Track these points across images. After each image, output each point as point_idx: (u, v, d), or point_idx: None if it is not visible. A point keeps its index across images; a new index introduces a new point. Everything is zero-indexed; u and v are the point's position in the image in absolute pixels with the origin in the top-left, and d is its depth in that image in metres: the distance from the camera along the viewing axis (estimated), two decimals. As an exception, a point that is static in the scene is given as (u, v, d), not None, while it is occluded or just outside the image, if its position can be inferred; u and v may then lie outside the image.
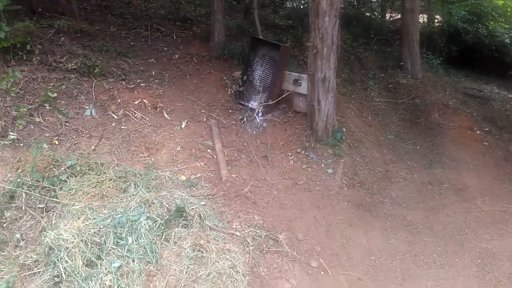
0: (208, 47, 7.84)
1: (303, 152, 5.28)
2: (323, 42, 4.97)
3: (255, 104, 5.96)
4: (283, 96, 5.76)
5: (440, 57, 9.46)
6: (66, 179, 3.65)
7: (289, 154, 5.23)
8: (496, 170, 5.65)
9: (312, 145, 5.41)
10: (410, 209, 4.70)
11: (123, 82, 5.83)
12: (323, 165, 5.13)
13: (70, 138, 4.50)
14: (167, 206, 3.28)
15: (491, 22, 9.36)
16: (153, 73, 6.51)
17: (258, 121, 5.75)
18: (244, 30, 9.27)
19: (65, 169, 3.78)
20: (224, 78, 6.77)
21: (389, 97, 7.55)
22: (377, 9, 11.53)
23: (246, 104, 6.02)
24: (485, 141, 6.26)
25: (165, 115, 5.42)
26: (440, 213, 4.68)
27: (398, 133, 6.46)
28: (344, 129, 5.74)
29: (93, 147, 4.45)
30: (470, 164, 5.72)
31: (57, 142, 4.38)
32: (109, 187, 3.48)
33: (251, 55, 6.18)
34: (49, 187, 3.48)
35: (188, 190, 3.92)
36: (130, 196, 3.37)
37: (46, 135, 4.41)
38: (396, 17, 12.32)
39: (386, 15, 12.41)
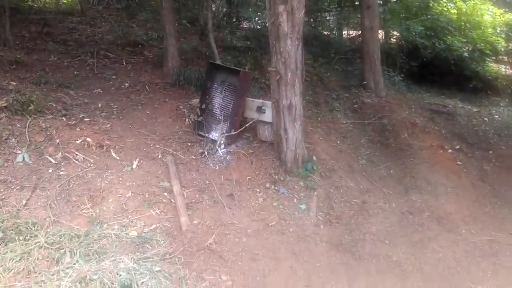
0: (161, 74, 7.26)
1: (273, 186, 4.77)
2: (286, 67, 4.54)
3: (216, 135, 5.42)
4: (247, 125, 5.26)
5: (401, 73, 9.40)
6: (-15, 251, 2.90)
7: (258, 190, 4.70)
8: (474, 192, 5.41)
9: (282, 178, 4.92)
10: (394, 246, 4.28)
11: (64, 119, 5.11)
12: (295, 200, 4.64)
13: (-5, 192, 3.73)
14: (109, 283, 2.62)
15: (448, 37, 9.45)
16: (99, 105, 5.82)
17: (221, 154, 5.20)
18: (201, 53, 8.76)
19: (-17, 237, 3.03)
20: (181, 106, 6.20)
21: (355, 117, 7.26)
22: (334, 28, 11.44)
23: (207, 135, 5.46)
24: (458, 160, 6.05)
25: (113, 154, 4.75)
26: (427, 249, 4.31)
27: (369, 156, 6.12)
28: (314, 158, 5.31)
29: (24, 202, 3.70)
30: (447, 186, 5.44)
31: (-22, 199, 3.60)
32: (38, 258, 2.78)
33: (209, 81, 5.66)
34: (-42, 266, 2.73)
35: (140, 251, 3.27)
36: (63, 271, 2.68)
37: (-35, 191, 3.62)
38: (354, 35, 12.34)
39: (343, 33, 12.39)
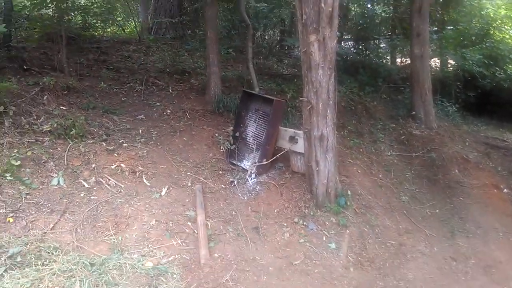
0: (203, 101, 7.39)
1: (301, 221, 4.53)
2: (317, 97, 4.38)
3: (248, 164, 5.32)
4: (278, 155, 5.11)
5: (456, 104, 8.78)
6: (3, 273, 2.99)
7: (285, 224, 4.49)
8: (532, 240, 4.77)
9: (312, 213, 4.66)
10: (432, 297, 3.83)
11: (103, 144, 5.31)
12: (324, 238, 4.36)
13: (28, 214, 3.89)
14: (107, 319, 2.57)
15: (510, 66, 8.71)
16: (140, 131, 6.00)
17: (251, 184, 5.08)
18: (244, 81, 8.86)
19: (5, 260, 3.13)
20: (217, 134, 6.21)
21: (401, 150, 6.82)
22: (386, 56, 11.06)
23: (238, 164, 5.39)
24: (515, 202, 5.41)
25: (144, 180, 4.81)
26: (470, 303, 3.81)
27: (413, 193, 5.67)
28: (349, 192, 5.01)
29: (51, 225, 3.81)
30: (499, 231, 4.86)
31: (11, 220, 3.77)
32: (48, 286, 2.80)
33: (243, 110, 5.64)
34: (-25, 287, 2.82)
35: (152, 283, 3.19)
36: (69, 301, 2.67)
37: (1, 211, 3.81)
38: (406, 62, 11.85)
39: (396, 60, 11.96)
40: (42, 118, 5.36)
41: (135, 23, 12.26)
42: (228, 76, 8.69)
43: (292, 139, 5.13)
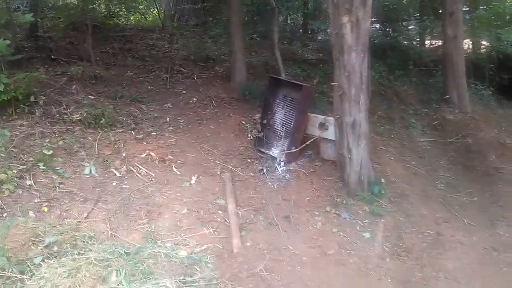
0: (229, 88, 7.31)
1: (334, 210, 4.42)
2: (350, 82, 4.21)
3: (277, 152, 5.23)
4: (308, 142, 4.99)
5: (490, 87, 8.37)
6: (41, 263, 3.03)
7: (316, 213, 4.39)
8: None
9: (344, 201, 4.55)
10: (472, 288, 3.68)
11: (132, 132, 5.33)
12: (358, 228, 4.24)
13: (62, 203, 3.93)
14: (146, 309, 2.55)
15: (547, 46, 8.23)
16: (168, 119, 5.99)
17: (280, 172, 4.99)
18: (270, 67, 8.70)
19: (42, 249, 3.17)
20: (244, 122, 6.13)
21: (435, 136, 6.56)
22: (415, 37, 10.64)
23: (267, 151, 5.31)
24: (559, 189, 5.12)
25: (174, 169, 4.79)
26: (514, 295, 3.64)
27: (449, 180, 5.45)
28: (382, 180, 4.85)
29: (85, 214, 3.84)
30: (543, 220, 4.61)
31: (46, 209, 3.82)
32: (85, 276, 2.81)
33: (271, 96, 5.52)
34: (15, 276, 2.86)
35: (187, 273, 3.17)
36: (106, 292, 2.67)
37: (36, 200, 3.87)
38: (437, 44, 11.39)
39: (426, 42, 11.50)
40: (71, 107, 5.41)
41: (158, 10, 12.22)
42: (252, 62, 8.56)
43: (322, 126, 4.99)
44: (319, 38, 11.83)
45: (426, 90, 8.06)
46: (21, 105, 5.00)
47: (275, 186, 4.77)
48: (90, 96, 6.12)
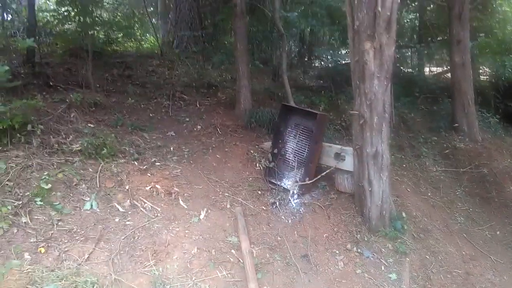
0: (233, 115, 7.09)
1: (355, 248, 4.11)
2: (371, 110, 4.00)
3: (289, 183, 4.94)
4: (323, 174, 4.72)
5: (496, 114, 8.26)
6: (38, 316, 2.66)
7: (337, 251, 4.07)
8: None
9: (366, 238, 4.24)
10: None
11: (135, 163, 5.01)
12: (383, 268, 3.92)
13: (60, 243, 3.57)
14: None
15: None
16: (171, 148, 5.71)
17: (294, 205, 4.69)
18: (273, 94, 8.55)
19: (39, 298, 2.80)
20: (252, 151, 5.87)
21: (447, 165, 6.36)
22: (416, 65, 10.63)
23: (278, 183, 5.02)
24: None
25: (181, 202, 4.47)
26: None
27: (468, 213, 5.20)
28: (404, 215, 4.58)
29: (86, 256, 3.48)
30: None
31: (43, 250, 3.45)
32: (90, 332, 2.45)
33: (282, 124, 5.28)
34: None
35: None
36: None
37: (31, 240, 3.51)
38: (436, 72, 11.40)
39: (425, 69, 11.51)
40: (71, 136, 5.10)
41: (156, 37, 12.13)
42: (255, 89, 8.37)
43: (338, 156, 4.74)
44: (319, 65, 11.79)
45: (433, 117, 7.92)
46: (18, 134, 4.67)
47: (290, 221, 4.46)
48: (90, 124, 5.83)
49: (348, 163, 4.60)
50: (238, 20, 6.83)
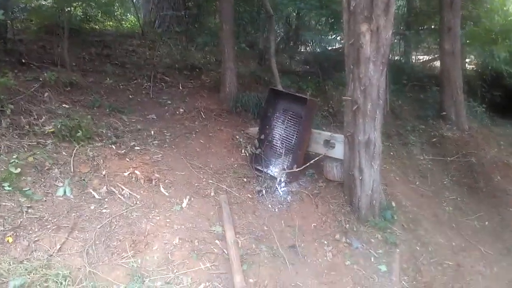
0: (218, 99, 6.81)
1: (344, 239, 3.96)
2: (366, 96, 3.80)
3: (276, 170, 4.75)
4: (312, 161, 4.53)
5: (483, 103, 8.23)
6: (2, 314, 2.40)
7: (325, 242, 3.92)
8: None
9: (355, 228, 4.10)
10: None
11: (113, 147, 4.72)
12: (372, 259, 3.79)
13: (30, 232, 3.29)
14: None
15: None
16: (152, 132, 5.42)
17: (281, 193, 4.50)
18: (259, 78, 8.28)
19: (4, 294, 2.54)
20: (237, 136, 5.63)
21: (435, 154, 6.27)
22: (404, 52, 10.50)
23: (265, 170, 4.81)
24: None
25: (162, 189, 4.22)
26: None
27: (456, 203, 5.13)
28: (393, 204, 4.45)
29: (58, 246, 3.22)
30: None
31: (11, 240, 3.17)
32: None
33: (270, 110, 5.06)
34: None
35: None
36: None
37: (-2, 229, 3.21)
38: (424, 59, 11.31)
39: (412, 57, 11.39)
40: (43, 117, 4.75)
41: (137, 16, 11.61)
42: (241, 73, 8.07)
43: (328, 143, 4.56)
44: (305, 50, 11.54)
45: (421, 106, 7.83)
46: (-16, 114, 4.30)
47: (277, 210, 4.28)
48: (64, 105, 5.47)
49: (338, 151, 4.42)
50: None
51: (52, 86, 5.79)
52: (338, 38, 9.19)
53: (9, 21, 7.53)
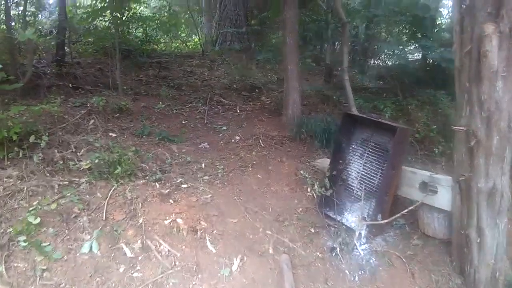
0: (279, 124, 5.93)
1: (456, 330, 2.77)
2: (490, 127, 2.65)
3: (354, 219, 3.68)
4: (405, 211, 3.38)
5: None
6: None
7: (429, 333, 2.76)
8: None
9: (471, 314, 2.88)
10: None
11: (157, 184, 4.00)
12: None
13: (40, 305, 2.59)
14: None
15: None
16: (203, 165, 4.66)
17: (361, 252, 3.42)
18: (326, 97, 7.27)
19: None
20: (301, 170, 4.67)
21: None
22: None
23: (338, 218, 3.77)
24: None
25: (209, 244, 3.37)
26: None
27: None
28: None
29: (71, 329, 2.47)
30: None
31: (15, 316, 2.49)
32: None
33: (344, 139, 4.03)
34: None
35: None
36: None
37: (2, 301, 2.55)
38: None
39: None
40: (82, 150, 4.19)
41: (198, 35, 11.26)
42: (305, 92, 7.14)
43: (426, 187, 3.40)
44: (377, 63, 10.27)
45: None
46: (16, 148, 3.81)
47: (357, 278, 3.20)
48: (111, 133, 4.95)
49: (442, 199, 3.24)
50: (288, 8, 5.65)
51: (100, 112, 5.33)
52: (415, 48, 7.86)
53: (67, 44, 7.41)
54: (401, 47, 7.69)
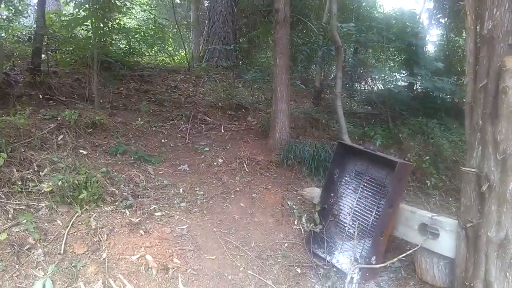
0: (265, 147, 5.60)
1: None
2: (505, 171, 2.35)
3: (345, 261, 3.33)
4: (402, 256, 3.05)
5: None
6: None
7: None
8: None
9: None
10: None
11: (127, 212, 3.58)
12: None
13: None
14: None
15: None
16: (181, 189, 4.27)
17: (353, 300, 3.04)
18: (315, 120, 6.99)
19: None
20: (289, 201, 4.32)
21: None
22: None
23: (328, 258, 3.41)
24: None
25: (181, 286, 2.94)
26: None
27: None
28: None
29: None
30: None
31: None
32: None
33: (336, 171, 3.70)
34: None
35: None
36: None
37: None
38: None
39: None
40: (45, 170, 3.75)
41: (185, 50, 10.94)
42: (293, 114, 6.85)
43: (425, 229, 3.08)
44: (365, 88, 10.13)
45: None
46: (-32, 166, 3.34)
47: (348, 332, 2.82)
48: (81, 150, 4.50)
49: (443, 243, 2.92)
50: (280, 28, 5.38)
51: (71, 126, 4.88)
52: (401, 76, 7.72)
53: (43, 51, 6.95)
54: (392, 73, 7.54)
